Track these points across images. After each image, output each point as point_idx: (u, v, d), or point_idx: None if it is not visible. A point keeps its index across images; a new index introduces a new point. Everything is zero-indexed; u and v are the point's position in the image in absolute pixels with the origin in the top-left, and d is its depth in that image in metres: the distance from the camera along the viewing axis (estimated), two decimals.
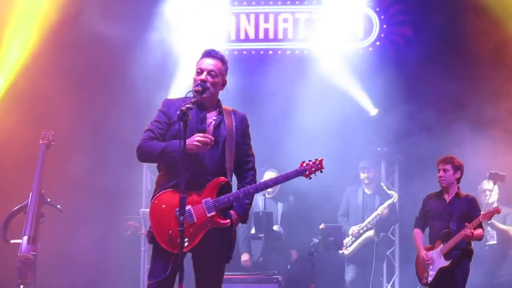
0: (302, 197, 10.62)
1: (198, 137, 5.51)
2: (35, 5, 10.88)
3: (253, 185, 5.75)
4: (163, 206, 5.52)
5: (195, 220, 5.52)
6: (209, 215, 5.55)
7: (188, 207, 5.46)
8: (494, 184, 9.68)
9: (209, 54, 5.84)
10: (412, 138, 10.89)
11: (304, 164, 5.82)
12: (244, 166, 5.88)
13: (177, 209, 5.27)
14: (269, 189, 10.43)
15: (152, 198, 5.62)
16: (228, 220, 5.64)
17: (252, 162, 5.95)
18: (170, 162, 5.52)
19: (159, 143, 5.61)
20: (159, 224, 5.51)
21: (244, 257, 10.52)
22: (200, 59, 5.84)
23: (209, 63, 5.78)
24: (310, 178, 5.83)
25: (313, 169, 5.82)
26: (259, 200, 10.51)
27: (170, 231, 5.41)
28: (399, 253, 11.50)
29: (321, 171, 5.84)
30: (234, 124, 5.82)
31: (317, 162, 5.84)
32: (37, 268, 8.41)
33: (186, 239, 5.39)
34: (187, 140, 5.35)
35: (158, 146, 5.59)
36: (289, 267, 10.46)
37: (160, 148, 5.57)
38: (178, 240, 5.22)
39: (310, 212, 10.72)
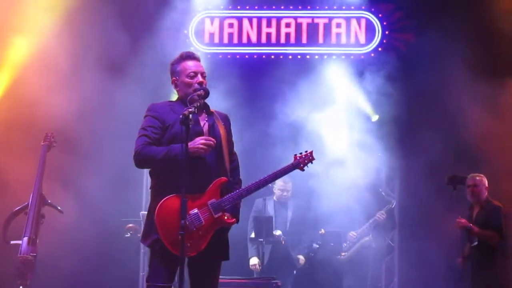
0: (306, 202, 10.64)
1: (202, 140, 5.51)
2: None
3: (254, 182, 5.74)
4: (170, 212, 5.46)
5: (203, 222, 5.54)
6: (216, 216, 5.58)
7: (195, 211, 5.52)
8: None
9: (193, 56, 5.88)
10: (414, 144, 10.91)
11: (298, 157, 5.95)
12: (231, 165, 5.89)
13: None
14: (278, 191, 10.52)
15: (154, 206, 5.56)
16: (234, 219, 5.69)
17: (236, 161, 6.01)
18: (173, 166, 5.45)
19: (159, 148, 5.57)
20: (167, 230, 5.47)
21: (253, 261, 10.43)
22: (183, 61, 5.83)
23: (199, 65, 5.85)
24: (304, 170, 5.98)
25: (306, 161, 5.96)
26: (269, 205, 10.54)
27: (180, 237, 5.33)
28: (398, 259, 11.50)
29: (312, 162, 5.99)
30: (222, 123, 5.86)
31: (308, 153, 5.99)
32: (36, 269, 8.43)
33: (192, 242, 5.45)
34: (190, 144, 5.37)
35: (160, 151, 5.54)
36: (295, 272, 10.45)
37: (163, 152, 5.52)
38: (189, 244, 5.33)
39: (314, 217, 10.69)
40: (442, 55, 10.95)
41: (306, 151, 5.99)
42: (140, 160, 5.64)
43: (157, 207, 5.53)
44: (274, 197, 10.68)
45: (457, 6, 11.25)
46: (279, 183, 10.44)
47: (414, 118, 11.17)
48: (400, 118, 11.15)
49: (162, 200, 5.52)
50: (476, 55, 10.93)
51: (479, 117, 10.70)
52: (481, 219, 9.30)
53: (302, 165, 5.94)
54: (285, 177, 10.03)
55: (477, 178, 9.47)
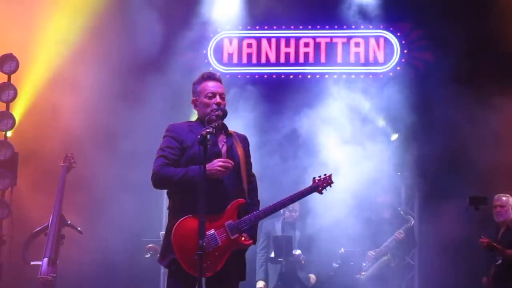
0: (317, 221, 10.58)
1: (220, 162, 5.53)
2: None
3: (271, 205, 5.74)
4: (186, 232, 5.48)
5: (220, 243, 5.54)
6: (232, 237, 5.58)
7: (212, 232, 5.51)
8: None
9: (214, 76, 5.91)
10: (432, 162, 10.86)
11: (316, 180, 5.94)
12: (249, 186, 5.88)
13: None
14: (286, 212, 10.45)
15: (171, 226, 5.58)
16: (251, 241, 5.69)
17: (254, 182, 6.00)
18: (191, 187, 5.47)
19: (177, 169, 5.59)
20: (184, 250, 5.48)
21: (259, 284, 10.36)
22: (203, 82, 5.86)
23: (218, 86, 5.86)
24: (322, 193, 5.95)
25: (325, 184, 5.95)
26: (276, 225, 10.50)
27: (196, 257, 5.29)
28: (418, 278, 11.44)
29: (330, 186, 5.97)
30: (241, 145, 5.87)
31: (327, 177, 5.97)
32: None
33: (209, 262, 5.43)
34: (208, 165, 5.37)
35: (178, 172, 5.56)
36: None
37: (180, 173, 5.54)
38: (205, 264, 5.30)
39: (326, 236, 10.64)
40: (459, 73, 10.93)
41: (325, 174, 5.98)
42: (158, 181, 5.65)
43: (174, 227, 5.54)
44: (282, 218, 10.62)
45: (472, 25, 11.23)
46: None
47: (433, 136, 11.12)
48: (419, 137, 11.11)
49: (179, 221, 5.54)
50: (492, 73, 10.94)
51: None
52: (507, 239, 9.26)
53: (320, 188, 5.93)
54: None
55: (503, 198, 9.46)
